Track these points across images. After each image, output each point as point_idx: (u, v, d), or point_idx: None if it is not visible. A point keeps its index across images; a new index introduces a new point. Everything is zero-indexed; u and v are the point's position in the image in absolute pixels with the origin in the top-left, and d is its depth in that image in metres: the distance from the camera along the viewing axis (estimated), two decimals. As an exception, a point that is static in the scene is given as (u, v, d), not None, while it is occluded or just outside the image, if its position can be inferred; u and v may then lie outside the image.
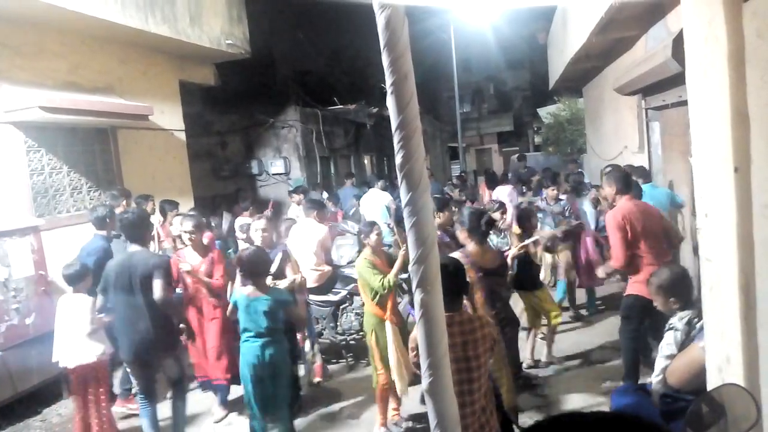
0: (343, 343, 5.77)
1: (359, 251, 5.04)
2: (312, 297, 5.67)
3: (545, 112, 18.55)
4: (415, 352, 2.75)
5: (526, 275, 5.06)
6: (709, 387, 2.32)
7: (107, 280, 4.07)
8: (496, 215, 5.36)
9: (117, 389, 5.05)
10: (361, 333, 5.40)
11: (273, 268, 4.40)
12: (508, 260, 4.36)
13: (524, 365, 5.18)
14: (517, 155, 16.63)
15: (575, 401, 4.61)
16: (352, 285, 5.52)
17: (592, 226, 6.54)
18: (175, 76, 8.28)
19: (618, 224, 4.19)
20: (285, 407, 3.88)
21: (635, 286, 4.26)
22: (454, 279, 2.77)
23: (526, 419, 4.11)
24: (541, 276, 5.69)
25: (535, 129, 26.21)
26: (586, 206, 6.70)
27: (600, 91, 10.35)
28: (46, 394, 5.22)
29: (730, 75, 2.08)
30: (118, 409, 4.96)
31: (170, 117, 8.08)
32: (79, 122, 6.31)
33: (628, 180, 4.53)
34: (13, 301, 4.93)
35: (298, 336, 4.95)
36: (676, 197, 5.86)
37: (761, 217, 2.04)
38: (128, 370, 4.47)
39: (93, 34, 6.63)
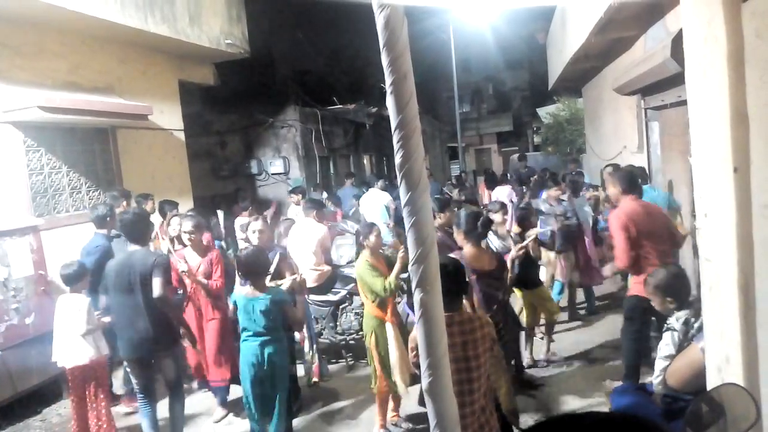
0: (343, 342, 5.77)
1: (358, 252, 5.03)
2: (311, 297, 5.68)
3: (544, 112, 18.56)
4: (414, 352, 2.75)
5: (526, 274, 5.05)
6: (709, 387, 2.33)
7: (107, 280, 4.08)
8: (498, 217, 5.30)
9: (121, 389, 5.06)
10: (360, 333, 5.40)
11: (270, 270, 4.40)
12: (508, 263, 4.32)
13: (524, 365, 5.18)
14: (517, 155, 16.63)
15: (575, 401, 4.61)
16: (352, 285, 5.51)
17: (590, 226, 6.54)
18: (174, 76, 8.27)
19: (622, 225, 4.14)
20: (284, 406, 3.88)
21: (638, 287, 4.23)
22: (453, 279, 2.77)
23: (527, 419, 4.12)
24: (541, 276, 5.70)
25: (535, 129, 26.23)
26: (585, 206, 6.70)
27: (599, 91, 10.36)
28: (46, 393, 5.22)
29: (730, 75, 2.08)
30: (123, 408, 4.97)
31: (170, 117, 8.07)
32: (78, 122, 6.31)
33: (633, 180, 4.47)
34: (13, 300, 4.93)
35: (298, 336, 4.95)
36: (672, 201, 5.83)
37: (760, 217, 2.05)
38: (128, 369, 4.46)
39: (92, 34, 6.62)
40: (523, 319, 5.35)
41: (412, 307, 3.84)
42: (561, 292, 6.53)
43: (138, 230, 4.14)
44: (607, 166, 6.91)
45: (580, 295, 6.78)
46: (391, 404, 4.38)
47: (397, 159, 1.48)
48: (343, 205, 9.55)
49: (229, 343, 4.72)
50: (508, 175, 13.32)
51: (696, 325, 2.97)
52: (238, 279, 4.26)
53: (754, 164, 2.06)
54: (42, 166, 6.07)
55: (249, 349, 3.81)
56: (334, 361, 5.80)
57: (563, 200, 6.62)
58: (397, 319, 4.34)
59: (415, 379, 4.05)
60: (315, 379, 5.11)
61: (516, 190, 9.93)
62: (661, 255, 4.15)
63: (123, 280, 3.98)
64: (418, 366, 1.76)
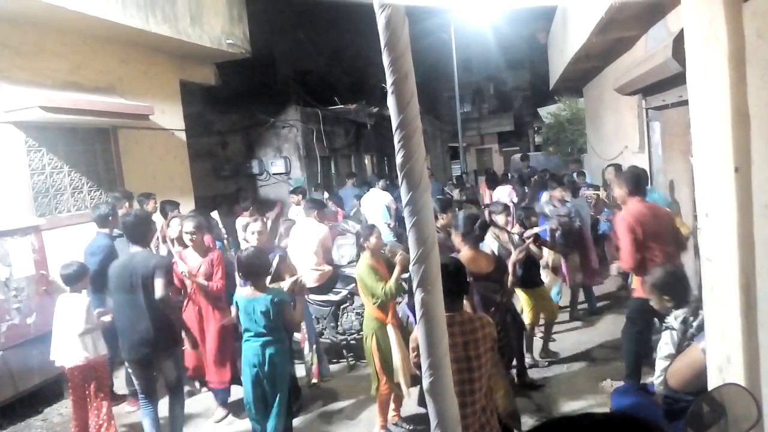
0: (344, 342, 5.77)
1: (359, 253, 5.02)
2: (313, 296, 5.68)
3: (546, 112, 18.54)
4: (415, 353, 2.75)
5: (528, 273, 5.04)
6: (710, 387, 2.33)
7: (110, 281, 4.09)
8: (501, 218, 5.27)
9: (125, 389, 5.05)
10: (361, 333, 5.40)
11: (271, 271, 4.39)
12: (509, 266, 4.28)
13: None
14: (519, 155, 16.60)
15: (576, 401, 4.61)
16: (353, 285, 5.51)
17: (589, 226, 6.52)
18: (175, 76, 8.28)
19: (629, 227, 4.11)
20: (283, 406, 3.88)
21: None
22: (454, 279, 2.77)
23: (527, 420, 4.12)
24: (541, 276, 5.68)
25: (536, 129, 26.21)
26: (585, 206, 6.68)
27: (600, 91, 10.35)
28: (47, 393, 5.22)
29: (731, 75, 2.08)
30: (127, 407, 4.98)
31: (171, 117, 8.08)
32: (79, 122, 6.32)
33: (639, 181, 4.41)
34: (14, 300, 4.93)
35: (298, 336, 4.95)
36: (670, 202, 5.81)
37: (761, 217, 2.05)
38: (129, 370, 4.47)
39: (93, 34, 6.63)
40: (525, 318, 5.34)
41: (412, 309, 3.84)
42: (559, 292, 6.52)
43: (139, 232, 4.15)
44: (608, 166, 6.90)
45: (580, 295, 6.77)
46: (392, 404, 4.38)
47: (398, 159, 1.48)
48: (345, 205, 9.56)
49: (230, 345, 4.71)
50: (509, 174, 13.30)
51: (695, 324, 2.97)
52: (238, 280, 4.26)
53: (755, 164, 2.06)
54: (43, 166, 6.08)
55: (250, 349, 3.81)
56: (335, 360, 5.80)
57: (567, 201, 6.59)
58: (398, 321, 4.33)
59: (415, 380, 4.05)
60: (314, 381, 5.11)
61: (517, 191, 9.92)
62: (668, 257, 4.11)
63: (124, 281, 3.98)
64: (419, 366, 1.76)
